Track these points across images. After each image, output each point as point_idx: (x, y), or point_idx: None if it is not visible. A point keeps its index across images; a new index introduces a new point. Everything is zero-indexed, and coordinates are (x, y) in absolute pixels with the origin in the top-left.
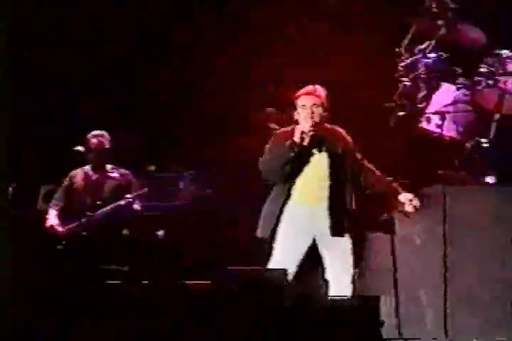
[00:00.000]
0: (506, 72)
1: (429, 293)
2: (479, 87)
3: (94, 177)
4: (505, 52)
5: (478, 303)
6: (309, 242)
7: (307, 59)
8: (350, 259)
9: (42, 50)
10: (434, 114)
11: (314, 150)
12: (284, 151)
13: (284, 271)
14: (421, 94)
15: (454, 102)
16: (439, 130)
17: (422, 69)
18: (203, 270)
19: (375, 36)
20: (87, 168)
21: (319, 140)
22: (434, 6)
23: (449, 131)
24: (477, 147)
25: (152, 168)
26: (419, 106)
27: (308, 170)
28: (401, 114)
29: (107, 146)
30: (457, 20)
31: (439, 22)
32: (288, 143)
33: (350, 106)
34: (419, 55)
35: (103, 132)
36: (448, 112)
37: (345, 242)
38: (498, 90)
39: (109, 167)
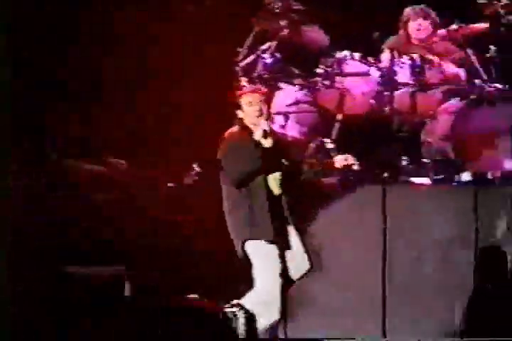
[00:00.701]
0: (343, 73)
1: None
2: (316, 88)
3: None
4: (343, 53)
5: (316, 304)
6: None
7: (148, 55)
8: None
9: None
10: (277, 114)
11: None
12: (251, 153)
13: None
14: None
15: (296, 103)
16: (282, 130)
17: (260, 69)
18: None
19: (216, 36)
20: None
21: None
22: (277, 6)
23: (292, 131)
24: (321, 147)
25: None
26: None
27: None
28: None
29: None
30: (300, 21)
31: (282, 23)
32: (252, 144)
33: (194, 103)
34: (260, 55)
35: None
36: (291, 113)
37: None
38: (338, 90)
39: None
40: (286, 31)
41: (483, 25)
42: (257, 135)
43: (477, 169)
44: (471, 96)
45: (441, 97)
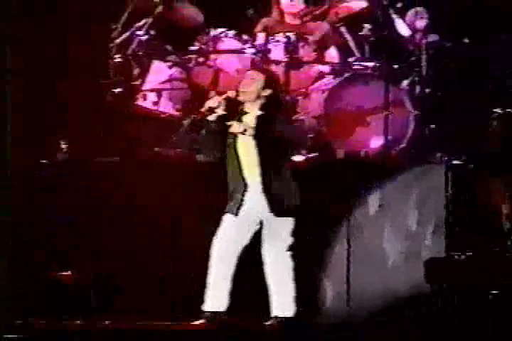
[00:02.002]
0: (218, 50)
1: None
2: (190, 65)
3: None
4: (218, 31)
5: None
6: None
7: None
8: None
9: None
10: (150, 91)
11: (233, 124)
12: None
13: None
14: (135, 72)
15: (169, 80)
16: (155, 107)
17: (134, 46)
18: None
19: (92, 14)
20: None
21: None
22: None
23: (166, 108)
24: (193, 124)
25: None
26: (134, 83)
27: (238, 146)
28: (117, 90)
29: None
30: None
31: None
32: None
33: (66, 81)
34: (134, 32)
35: None
36: (164, 90)
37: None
38: (212, 68)
39: None
40: (160, 8)
41: (358, 4)
42: (204, 110)
43: (350, 147)
44: (345, 75)
45: (314, 75)
